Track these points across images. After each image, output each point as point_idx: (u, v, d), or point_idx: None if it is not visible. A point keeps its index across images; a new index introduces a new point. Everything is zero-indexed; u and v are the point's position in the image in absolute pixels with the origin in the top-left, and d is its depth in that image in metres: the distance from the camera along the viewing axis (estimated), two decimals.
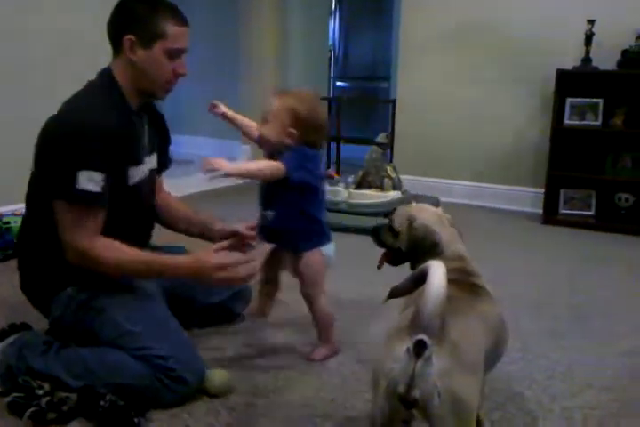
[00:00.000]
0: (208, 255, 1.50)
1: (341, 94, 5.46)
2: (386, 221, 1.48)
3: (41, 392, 1.39)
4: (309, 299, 1.70)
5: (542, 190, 3.38)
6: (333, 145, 4.34)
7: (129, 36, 1.50)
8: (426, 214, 1.42)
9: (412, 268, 1.38)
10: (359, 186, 3.26)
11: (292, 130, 1.57)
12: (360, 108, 5.36)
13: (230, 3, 4.40)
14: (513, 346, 1.28)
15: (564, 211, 3.41)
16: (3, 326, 1.63)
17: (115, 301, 1.53)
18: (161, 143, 1.75)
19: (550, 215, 3.36)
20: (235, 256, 1.52)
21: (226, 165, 1.46)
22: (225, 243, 1.60)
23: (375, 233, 1.49)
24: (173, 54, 1.53)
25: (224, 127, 4.44)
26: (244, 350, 1.78)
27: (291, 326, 1.94)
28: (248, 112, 4.37)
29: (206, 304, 1.83)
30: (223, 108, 1.79)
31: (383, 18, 5.49)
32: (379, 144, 3.33)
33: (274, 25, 4.43)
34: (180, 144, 4.03)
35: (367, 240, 1.53)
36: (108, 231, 1.47)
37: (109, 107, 1.49)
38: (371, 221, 3.00)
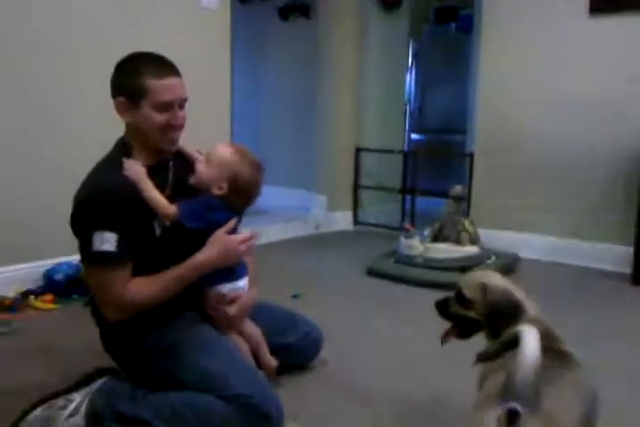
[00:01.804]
0: (223, 236, 1.59)
1: (417, 147, 5.49)
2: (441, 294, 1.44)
3: None
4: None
5: (631, 248, 3.22)
6: (408, 198, 4.33)
7: (119, 99, 1.57)
8: (496, 278, 1.39)
9: (493, 336, 1.33)
10: (435, 239, 3.22)
11: (224, 185, 1.59)
12: (435, 161, 5.36)
13: (308, 58, 4.57)
14: (603, 419, 1.20)
15: None
16: (88, 370, 1.68)
17: (193, 346, 1.58)
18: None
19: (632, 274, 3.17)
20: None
21: (133, 169, 1.53)
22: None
23: (442, 306, 1.44)
24: (163, 107, 1.55)
25: (300, 177, 4.66)
26: (316, 400, 1.75)
27: (370, 373, 1.90)
28: (323, 167, 4.53)
29: (277, 345, 1.82)
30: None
31: (459, 72, 5.55)
32: (453, 197, 3.31)
33: (351, 79, 4.54)
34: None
35: (442, 296, 1.49)
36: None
37: (118, 169, 1.54)
38: (447, 276, 2.98)
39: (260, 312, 1.85)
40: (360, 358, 2.09)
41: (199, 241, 1.59)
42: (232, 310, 1.66)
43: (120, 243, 1.50)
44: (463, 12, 5.78)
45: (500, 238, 3.58)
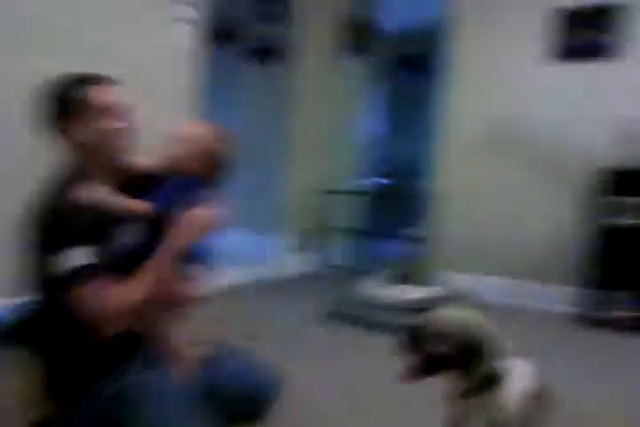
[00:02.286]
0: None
1: (377, 189, 5.56)
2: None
3: None
4: None
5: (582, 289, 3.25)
6: (362, 240, 4.33)
7: (61, 122, 1.52)
8: (472, 315, 1.34)
9: (464, 373, 1.27)
10: (395, 281, 3.20)
11: (196, 158, 1.57)
12: (394, 204, 5.41)
13: (277, 100, 4.61)
14: None
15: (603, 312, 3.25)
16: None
17: (144, 395, 1.45)
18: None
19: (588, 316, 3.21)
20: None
21: (96, 193, 1.47)
22: None
23: (414, 335, 1.34)
24: (106, 115, 1.51)
25: (262, 222, 4.61)
26: None
27: None
28: (288, 209, 4.49)
29: (231, 393, 1.69)
30: None
31: (421, 118, 5.69)
32: (409, 239, 3.32)
33: (318, 121, 4.60)
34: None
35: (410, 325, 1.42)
36: None
37: (69, 188, 1.47)
38: (407, 319, 2.93)
39: (218, 358, 1.74)
40: (320, 405, 2.01)
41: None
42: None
43: (92, 256, 1.42)
44: (425, 60, 5.98)
45: (460, 281, 3.58)
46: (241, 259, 4.16)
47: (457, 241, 3.79)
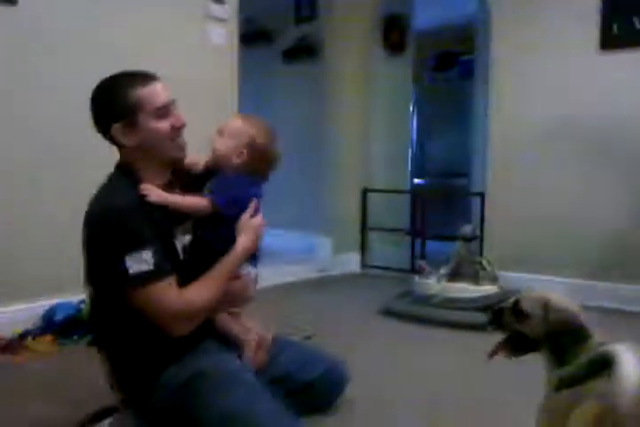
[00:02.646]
0: (250, 221, 1.56)
1: (420, 188, 5.47)
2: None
3: None
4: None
5: None
6: (418, 241, 4.24)
7: (116, 127, 1.48)
8: (560, 298, 1.28)
9: (556, 359, 1.21)
10: (451, 279, 3.10)
11: (243, 151, 1.58)
12: (440, 203, 5.31)
13: (314, 100, 4.57)
14: None
15: None
16: (93, 410, 1.53)
17: (212, 382, 1.45)
18: None
19: None
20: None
21: (154, 193, 1.46)
22: None
23: (497, 314, 1.34)
24: (160, 114, 1.49)
25: (305, 222, 4.56)
26: None
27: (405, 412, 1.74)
28: (330, 209, 4.45)
29: (300, 383, 1.71)
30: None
31: (460, 116, 5.60)
32: (463, 237, 3.22)
33: (357, 121, 4.54)
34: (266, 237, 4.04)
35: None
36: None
37: (125, 192, 1.47)
38: (466, 316, 2.85)
39: (281, 347, 1.75)
40: (384, 399, 1.94)
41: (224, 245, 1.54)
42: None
43: (156, 257, 1.41)
44: (463, 58, 5.90)
45: (514, 280, 3.45)
46: (287, 258, 4.11)
47: (511, 240, 3.68)
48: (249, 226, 1.56)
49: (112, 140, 1.52)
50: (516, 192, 3.70)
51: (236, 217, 1.56)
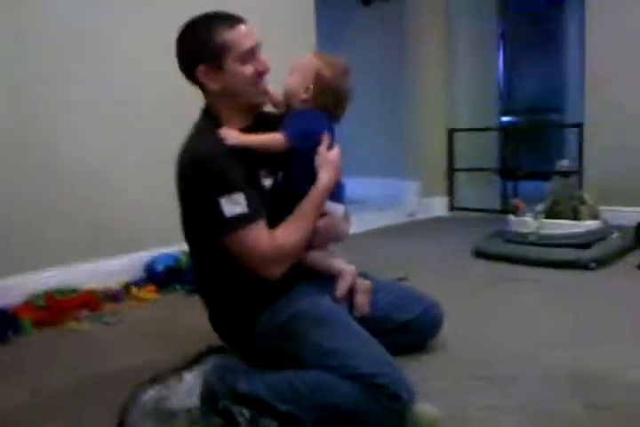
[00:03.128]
0: (328, 154, 1.53)
1: (510, 126, 5.20)
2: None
3: (241, 420, 1.31)
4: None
5: None
6: (509, 181, 4.06)
7: (200, 68, 1.45)
8: None
9: None
10: (548, 216, 2.95)
11: (310, 85, 1.53)
12: (531, 140, 5.05)
13: (393, 41, 4.41)
14: None
15: None
16: (198, 350, 1.59)
17: (309, 321, 1.46)
18: None
19: None
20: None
21: (231, 135, 1.45)
22: None
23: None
24: (246, 58, 1.45)
25: (389, 166, 4.48)
26: (447, 382, 1.58)
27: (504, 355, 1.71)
28: (415, 152, 4.34)
29: (397, 322, 1.70)
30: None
31: (550, 48, 5.23)
32: (561, 172, 3.03)
33: (439, 60, 4.35)
34: (352, 185, 4.02)
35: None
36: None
37: (211, 139, 1.46)
38: (565, 253, 2.72)
39: (377, 288, 1.73)
40: (480, 341, 1.90)
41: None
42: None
43: (248, 200, 1.41)
44: None
45: (617, 215, 3.24)
46: (374, 205, 4.08)
47: (612, 173, 3.44)
48: (327, 161, 1.52)
49: (196, 82, 1.51)
50: (616, 121, 3.43)
51: (309, 152, 1.52)
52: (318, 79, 1.55)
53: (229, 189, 1.40)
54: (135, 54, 2.77)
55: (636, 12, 3.32)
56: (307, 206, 1.49)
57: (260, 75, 1.50)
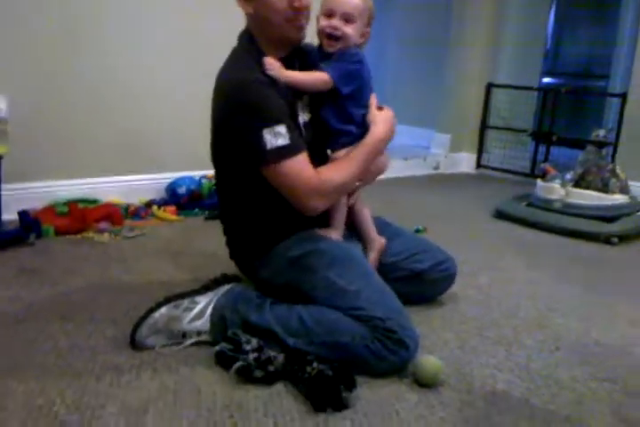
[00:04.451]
0: (381, 113, 1.55)
1: (551, 87, 5.03)
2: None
3: (248, 348, 1.34)
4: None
5: None
6: (542, 144, 3.96)
7: None
8: None
9: None
10: (576, 186, 2.90)
11: (368, 29, 1.51)
12: (571, 106, 4.90)
13: None
14: None
15: None
16: (214, 275, 1.61)
17: (326, 259, 1.48)
18: None
19: None
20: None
21: (275, 67, 1.42)
22: None
23: None
24: None
25: (421, 116, 4.38)
26: (453, 337, 1.60)
27: (503, 312, 1.72)
28: (449, 104, 4.22)
29: (409, 271, 1.71)
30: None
31: (604, 13, 4.97)
32: (597, 142, 2.95)
33: (487, 12, 4.15)
34: None
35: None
36: None
37: (253, 66, 1.42)
38: (587, 225, 2.69)
39: (393, 234, 1.74)
40: (492, 299, 1.91)
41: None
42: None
43: (290, 132, 1.40)
44: None
45: None
46: (401, 153, 4.02)
47: None
48: (381, 117, 1.53)
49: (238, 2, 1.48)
50: None
51: (352, 94, 1.50)
52: (370, 20, 1.52)
53: (272, 120, 1.38)
54: None
55: None
56: (357, 153, 1.49)
57: (294, 9, 1.42)
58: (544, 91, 4.15)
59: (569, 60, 5.59)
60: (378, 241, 1.68)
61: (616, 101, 3.69)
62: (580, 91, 4.88)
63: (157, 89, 2.75)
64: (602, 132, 3.04)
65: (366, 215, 1.70)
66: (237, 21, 1.53)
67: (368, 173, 1.57)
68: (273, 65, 1.42)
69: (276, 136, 1.37)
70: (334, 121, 1.54)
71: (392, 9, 4.68)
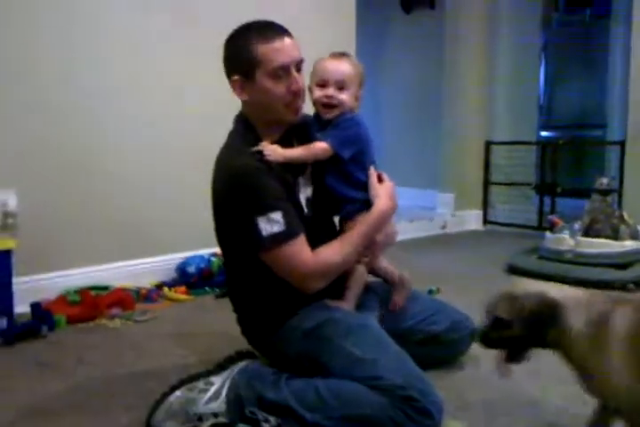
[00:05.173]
0: (381, 186, 1.54)
1: (547, 140, 5.12)
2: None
3: (266, 426, 1.30)
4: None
5: None
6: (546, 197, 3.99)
7: (234, 78, 1.46)
8: (524, 287, 1.22)
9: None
10: (586, 235, 2.89)
11: (361, 92, 1.53)
12: (570, 157, 4.96)
13: (432, 50, 4.39)
14: None
15: None
16: (227, 354, 1.59)
17: (341, 328, 1.46)
18: None
19: None
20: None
21: (276, 152, 1.44)
22: None
23: (484, 339, 1.24)
24: (278, 74, 1.42)
25: (424, 177, 4.45)
26: (478, 401, 1.55)
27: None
28: (451, 164, 4.29)
29: (425, 334, 1.69)
30: None
31: (593, 62, 5.13)
32: (600, 191, 2.98)
33: (479, 71, 4.30)
34: None
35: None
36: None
37: (249, 151, 1.44)
38: (600, 273, 2.66)
39: (408, 298, 1.72)
40: None
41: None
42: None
43: (286, 218, 1.40)
44: None
45: None
46: (408, 215, 4.05)
47: None
48: (383, 190, 1.53)
49: (233, 89, 1.51)
50: None
51: (354, 158, 1.52)
52: (362, 83, 1.56)
53: (267, 209, 1.39)
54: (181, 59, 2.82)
55: None
56: (359, 229, 1.49)
57: (292, 94, 1.47)
58: (542, 144, 4.24)
59: (564, 113, 5.71)
60: (408, 279, 1.69)
61: (615, 149, 3.75)
62: (578, 141, 4.96)
63: (157, 171, 2.81)
64: (605, 180, 3.07)
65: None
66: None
67: (375, 246, 1.57)
68: (270, 150, 1.44)
69: (271, 223, 1.38)
70: (341, 188, 1.55)
71: (384, 71, 4.86)
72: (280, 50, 1.43)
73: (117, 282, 2.61)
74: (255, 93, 1.47)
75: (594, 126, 5.09)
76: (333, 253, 1.46)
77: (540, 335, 1.16)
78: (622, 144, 3.56)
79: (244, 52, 1.44)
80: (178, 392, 1.42)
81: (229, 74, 1.50)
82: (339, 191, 1.55)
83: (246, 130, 1.52)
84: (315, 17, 3.23)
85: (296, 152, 1.49)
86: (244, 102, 1.53)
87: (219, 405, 1.42)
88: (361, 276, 1.60)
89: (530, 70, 4.66)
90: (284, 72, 1.44)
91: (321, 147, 1.48)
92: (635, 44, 3.51)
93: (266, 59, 1.42)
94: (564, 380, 1.65)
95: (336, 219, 1.66)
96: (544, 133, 5.54)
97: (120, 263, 2.69)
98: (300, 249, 1.42)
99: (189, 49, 2.82)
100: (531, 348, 1.20)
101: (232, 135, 1.55)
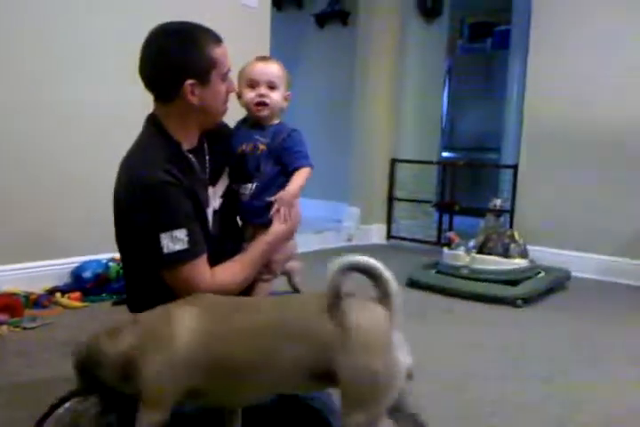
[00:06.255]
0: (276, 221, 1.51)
1: (448, 161, 5.38)
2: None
3: None
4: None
5: None
6: (446, 214, 4.17)
7: (188, 82, 1.38)
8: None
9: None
10: (480, 252, 3.05)
11: (289, 93, 1.57)
12: (469, 177, 5.24)
13: (344, 66, 4.50)
14: None
15: None
16: None
17: None
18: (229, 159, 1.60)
19: None
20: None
21: (288, 203, 1.48)
22: None
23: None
24: (225, 77, 1.46)
25: (333, 190, 4.53)
26: None
27: None
28: (358, 179, 4.39)
29: None
30: None
31: (493, 89, 5.47)
32: (494, 211, 3.17)
33: (388, 89, 4.44)
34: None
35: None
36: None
37: (161, 159, 1.38)
38: (493, 289, 2.81)
39: None
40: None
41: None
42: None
43: (190, 236, 1.35)
44: (499, 28, 5.72)
45: (544, 255, 3.38)
46: (314, 227, 4.09)
47: (543, 214, 3.60)
48: (280, 211, 1.50)
49: (171, 94, 1.42)
50: (548, 165, 3.61)
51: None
52: (288, 85, 1.58)
53: (172, 226, 1.33)
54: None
55: (577, 56, 3.51)
56: (256, 250, 1.47)
57: (227, 95, 1.48)
58: (443, 164, 4.43)
59: (464, 136, 6.04)
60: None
61: (509, 172, 3.99)
62: (475, 163, 5.24)
63: (63, 174, 2.69)
64: (498, 202, 3.27)
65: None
66: None
67: (274, 264, 1.55)
68: (288, 202, 1.49)
69: (174, 241, 1.33)
70: (263, 197, 1.52)
71: (296, 84, 4.84)
72: (226, 53, 1.45)
73: (5, 286, 2.45)
74: (207, 96, 1.42)
75: (490, 150, 5.41)
76: (232, 273, 1.43)
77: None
78: (515, 168, 3.79)
79: (202, 54, 1.40)
80: (67, 404, 1.35)
81: (180, 79, 1.39)
82: (262, 199, 1.53)
83: (161, 135, 1.45)
84: (228, 28, 3.20)
85: (297, 187, 1.50)
86: (179, 108, 1.43)
87: (109, 417, 1.36)
88: (265, 291, 1.59)
89: (434, 93, 4.87)
90: (227, 75, 1.46)
91: (306, 171, 1.53)
92: (529, 76, 3.75)
93: (220, 61, 1.42)
94: (462, 391, 1.74)
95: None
96: (445, 154, 5.84)
97: (10, 266, 2.52)
98: (199, 270, 1.38)
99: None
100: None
101: (145, 140, 1.46)
